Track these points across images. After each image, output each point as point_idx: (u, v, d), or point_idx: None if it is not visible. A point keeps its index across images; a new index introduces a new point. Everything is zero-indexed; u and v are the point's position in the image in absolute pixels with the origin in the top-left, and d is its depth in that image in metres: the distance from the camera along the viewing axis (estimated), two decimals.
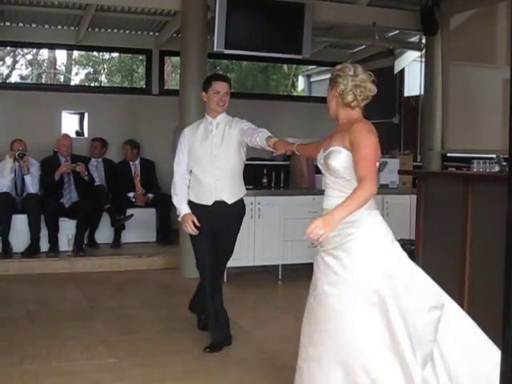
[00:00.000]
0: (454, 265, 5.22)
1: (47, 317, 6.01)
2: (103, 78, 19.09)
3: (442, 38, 9.12)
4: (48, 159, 8.68)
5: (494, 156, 5.49)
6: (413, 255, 5.79)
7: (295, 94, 16.89)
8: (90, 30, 9.74)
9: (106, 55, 18.14)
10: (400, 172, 8.02)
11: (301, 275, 7.73)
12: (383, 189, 8.13)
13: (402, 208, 7.94)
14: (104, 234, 8.86)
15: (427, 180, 5.66)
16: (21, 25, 9.73)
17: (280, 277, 7.74)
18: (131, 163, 9.54)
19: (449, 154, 9.35)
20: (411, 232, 6.67)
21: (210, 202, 4.98)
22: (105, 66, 19.20)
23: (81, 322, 5.87)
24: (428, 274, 5.25)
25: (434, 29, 9.08)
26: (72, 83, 18.63)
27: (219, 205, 4.97)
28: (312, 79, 14.83)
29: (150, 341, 5.28)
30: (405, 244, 6.23)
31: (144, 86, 11.07)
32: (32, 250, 8.13)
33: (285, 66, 17.17)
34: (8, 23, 9.62)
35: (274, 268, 7.82)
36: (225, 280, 6.90)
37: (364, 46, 10.79)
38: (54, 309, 6.34)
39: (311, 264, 7.88)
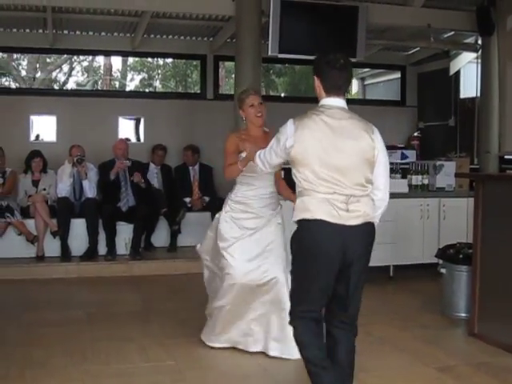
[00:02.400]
0: None
1: (105, 319, 6.10)
2: (157, 83, 19.27)
3: (499, 39, 9.00)
4: (106, 163, 8.82)
5: None
6: (470, 259, 5.72)
7: (349, 97, 16.80)
8: (145, 36, 9.88)
9: (160, 61, 18.30)
10: (457, 175, 7.92)
11: None
12: (439, 192, 8.05)
13: (458, 211, 7.85)
14: (160, 237, 8.97)
15: (485, 183, 5.58)
16: (78, 33, 9.93)
17: None
18: (191, 168, 9.64)
19: (506, 157, 9.19)
20: (468, 235, 6.60)
21: None
22: (159, 72, 19.38)
23: (138, 324, 5.94)
24: (487, 278, 5.20)
25: (490, 29, 8.96)
26: (127, 89, 18.87)
27: None
28: (366, 82, 14.75)
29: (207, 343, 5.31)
30: (462, 248, 6.18)
31: (198, 91, 11.16)
32: (90, 254, 8.27)
33: None
34: (66, 31, 9.81)
35: None
36: None
37: (419, 48, 10.71)
38: (111, 311, 6.42)
39: (368, 268, 7.85)
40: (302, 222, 3.63)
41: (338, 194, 3.55)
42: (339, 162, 3.58)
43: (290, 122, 3.73)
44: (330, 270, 3.61)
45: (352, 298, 3.72)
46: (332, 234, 3.56)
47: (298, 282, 3.75)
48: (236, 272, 4.93)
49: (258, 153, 4.07)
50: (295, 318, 3.77)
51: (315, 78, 3.79)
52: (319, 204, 3.56)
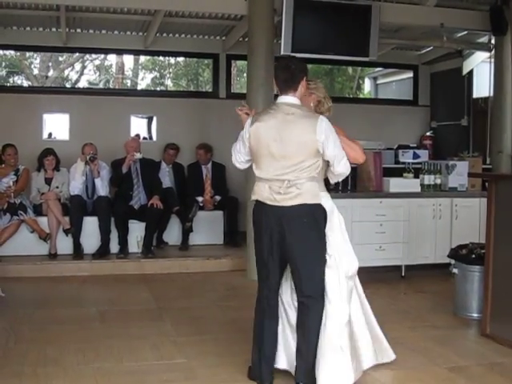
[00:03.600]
0: None
1: (118, 317, 6.13)
2: (169, 82, 19.30)
3: None
4: (118, 160, 8.85)
5: None
6: (483, 259, 5.71)
7: (361, 96, 16.79)
8: (157, 35, 9.89)
9: (172, 60, 18.33)
10: (469, 175, 7.90)
11: (368, 279, 7.71)
12: (452, 192, 8.03)
13: (471, 211, 7.84)
14: (172, 235, 8.99)
15: (498, 183, 5.56)
16: (91, 31, 9.96)
17: None
18: (203, 166, 9.66)
19: None
20: (481, 235, 6.58)
21: None
22: (170, 71, 19.41)
23: (150, 322, 5.97)
24: (500, 278, 5.20)
25: (504, 29, 8.91)
26: (139, 88, 18.90)
27: None
28: (379, 81, 14.73)
29: (219, 341, 5.31)
30: (474, 248, 6.17)
31: (211, 90, 11.17)
32: (102, 252, 8.31)
33: (349, 69, 17.08)
34: (79, 30, 9.84)
35: None
36: None
37: (432, 48, 10.67)
38: (124, 309, 6.46)
39: (379, 267, 7.88)
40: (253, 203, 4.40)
41: (278, 180, 4.18)
42: (283, 150, 4.16)
43: (249, 120, 4.41)
44: (269, 247, 4.27)
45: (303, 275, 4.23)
46: (268, 213, 4.24)
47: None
48: None
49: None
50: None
51: (274, 80, 4.42)
52: (261, 187, 4.26)
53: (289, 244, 4.21)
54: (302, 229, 4.19)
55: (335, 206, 4.46)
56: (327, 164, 4.31)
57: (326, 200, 4.35)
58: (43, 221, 8.31)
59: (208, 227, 9.20)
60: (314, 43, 8.31)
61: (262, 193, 4.26)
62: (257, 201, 4.32)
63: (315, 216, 4.24)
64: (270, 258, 4.29)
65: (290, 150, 4.15)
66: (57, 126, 10.36)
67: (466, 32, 9.79)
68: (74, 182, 8.57)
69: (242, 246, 8.47)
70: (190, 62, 18.03)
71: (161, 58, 17.69)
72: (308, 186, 4.19)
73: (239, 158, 4.54)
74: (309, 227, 4.21)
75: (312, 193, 4.21)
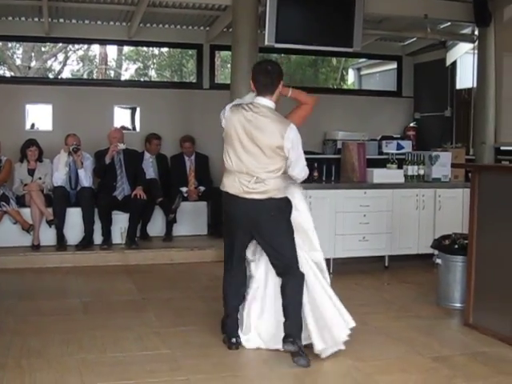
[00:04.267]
0: (509, 259, 5.16)
1: (101, 308, 6.12)
2: (153, 72, 19.21)
3: (495, 30, 9.00)
4: (101, 151, 8.79)
5: None
6: (465, 250, 5.74)
7: (345, 87, 16.79)
8: (141, 25, 9.83)
9: (156, 50, 18.24)
10: (453, 165, 7.94)
11: (352, 270, 7.76)
12: (435, 182, 8.07)
13: (454, 202, 7.89)
14: (156, 227, 8.98)
15: (481, 173, 5.59)
16: (74, 21, 9.87)
17: (331, 271, 7.72)
18: (187, 158, 9.63)
19: (502, 148, 9.21)
20: (464, 226, 6.62)
21: None
22: (154, 61, 19.31)
23: (134, 313, 5.96)
24: (483, 268, 5.26)
25: (487, 20, 8.96)
26: (122, 78, 18.80)
27: None
28: (362, 72, 14.73)
29: (203, 332, 5.32)
30: (457, 238, 6.21)
31: (194, 81, 11.14)
32: (86, 243, 8.28)
33: (333, 59, 17.07)
34: (61, 20, 9.76)
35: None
36: None
37: (415, 39, 10.69)
38: (107, 300, 6.43)
39: (362, 258, 7.93)
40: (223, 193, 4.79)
41: (246, 174, 4.58)
42: (251, 149, 4.56)
43: (228, 106, 4.78)
44: (238, 232, 4.78)
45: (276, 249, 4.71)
46: (236, 204, 4.67)
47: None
48: None
49: None
50: None
51: (251, 81, 4.76)
52: (231, 180, 4.66)
53: (259, 231, 4.71)
54: (270, 220, 4.66)
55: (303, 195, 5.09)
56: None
57: (294, 189, 4.95)
58: (26, 212, 8.26)
59: (192, 218, 9.19)
60: (298, 34, 8.29)
61: (232, 185, 4.67)
62: (226, 192, 4.73)
63: (281, 208, 4.70)
64: (237, 236, 4.81)
65: (259, 150, 4.57)
66: (40, 116, 10.26)
67: (449, 23, 9.82)
68: (57, 173, 8.52)
69: None
70: (174, 53, 17.95)
71: (144, 48, 17.54)
72: (274, 182, 4.63)
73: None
74: (276, 219, 4.68)
75: (278, 188, 4.66)
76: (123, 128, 9.83)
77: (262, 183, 4.59)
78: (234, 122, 4.65)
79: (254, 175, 4.59)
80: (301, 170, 4.76)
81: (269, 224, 4.67)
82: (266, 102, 4.67)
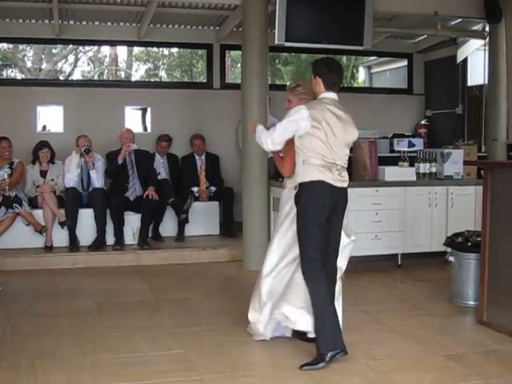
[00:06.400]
0: None
1: (114, 309, 6.13)
2: (163, 73, 19.24)
3: (506, 26, 8.94)
4: (113, 152, 8.80)
5: None
6: (478, 247, 5.72)
7: (356, 85, 16.75)
8: (151, 26, 9.84)
9: (166, 51, 18.27)
10: (465, 162, 7.90)
11: (365, 268, 7.74)
12: (447, 180, 8.04)
13: (466, 199, 7.85)
14: (168, 227, 8.99)
15: (494, 170, 5.56)
16: (84, 23, 9.90)
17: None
18: (197, 157, 9.63)
19: None
20: (476, 223, 6.59)
21: None
22: (164, 62, 19.35)
23: (147, 313, 5.96)
24: (496, 265, 5.22)
25: (498, 16, 8.90)
26: (132, 79, 18.85)
27: None
28: (373, 70, 14.70)
29: (216, 332, 5.33)
30: (470, 236, 6.18)
31: (205, 81, 11.14)
32: (98, 244, 8.30)
33: (343, 57, 17.05)
34: (71, 21, 9.79)
35: None
36: None
37: (426, 36, 10.65)
38: (120, 301, 6.44)
39: (375, 256, 7.89)
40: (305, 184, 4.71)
41: (333, 163, 4.62)
42: (341, 139, 4.65)
43: (304, 108, 4.64)
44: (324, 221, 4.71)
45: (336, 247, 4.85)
46: (332, 192, 4.67)
47: None
48: None
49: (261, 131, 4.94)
50: None
51: (316, 76, 4.76)
52: (318, 170, 4.61)
53: (334, 220, 4.74)
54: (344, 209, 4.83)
55: None
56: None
57: None
58: (38, 213, 8.29)
59: (204, 218, 9.19)
60: (307, 32, 8.26)
61: (325, 175, 4.61)
62: (318, 181, 4.61)
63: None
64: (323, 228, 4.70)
65: (344, 140, 4.70)
66: (51, 118, 10.33)
67: (460, 20, 9.77)
68: (69, 175, 8.55)
69: (238, 236, 8.50)
70: (184, 53, 17.98)
71: (154, 49, 17.64)
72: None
73: (281, 139, 4.77)
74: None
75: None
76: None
77: (345, 172, 4.75)
78: (322, 117, 4.61)
79: (338, 164, 4.67)
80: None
81: (342, 215, 4.81)
82: (336, 96, 4.79)
